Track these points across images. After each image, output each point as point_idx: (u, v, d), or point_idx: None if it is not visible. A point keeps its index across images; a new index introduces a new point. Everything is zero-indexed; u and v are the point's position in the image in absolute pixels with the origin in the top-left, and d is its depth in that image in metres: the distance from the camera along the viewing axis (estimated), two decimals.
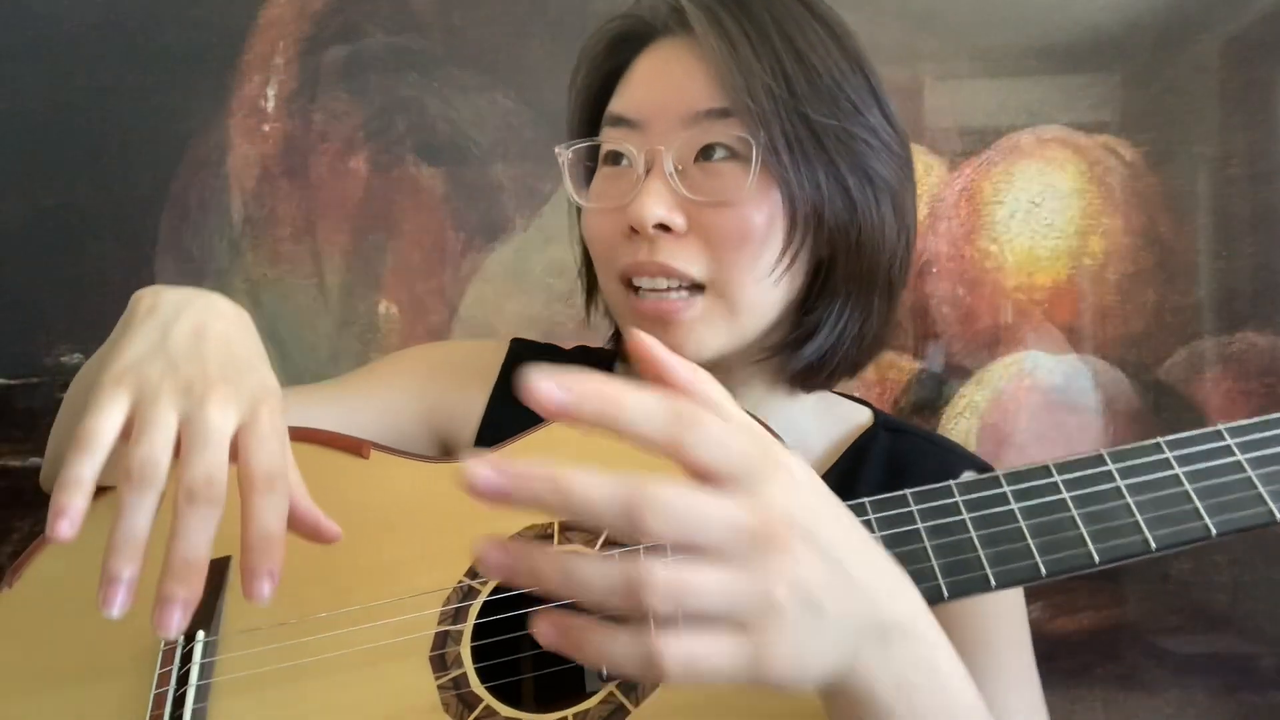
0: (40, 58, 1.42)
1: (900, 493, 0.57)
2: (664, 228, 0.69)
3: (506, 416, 0.71)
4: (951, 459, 0.75)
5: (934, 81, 1.37)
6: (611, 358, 0.85)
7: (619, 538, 0.39)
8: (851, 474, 0.75)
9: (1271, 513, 0.54)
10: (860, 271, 0.72)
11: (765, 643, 0.39)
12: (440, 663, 0.58)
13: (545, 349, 0.88)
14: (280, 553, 0.47)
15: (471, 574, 0.61)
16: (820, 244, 0.71)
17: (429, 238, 1.42)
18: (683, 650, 0.38)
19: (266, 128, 1.44)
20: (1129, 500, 0.55)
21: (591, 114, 0.77)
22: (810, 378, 0.76)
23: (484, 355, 0.87)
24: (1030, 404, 1.39)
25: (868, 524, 0.56)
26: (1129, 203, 1.37)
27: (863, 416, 0.81)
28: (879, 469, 0.75)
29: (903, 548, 0.55)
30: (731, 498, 0.40)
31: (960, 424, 1.39)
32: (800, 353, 0.74)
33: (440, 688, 0.57)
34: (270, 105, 1.44)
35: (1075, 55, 1.37)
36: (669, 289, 0.70)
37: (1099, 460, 0.56)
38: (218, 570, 0.64)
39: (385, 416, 0.79)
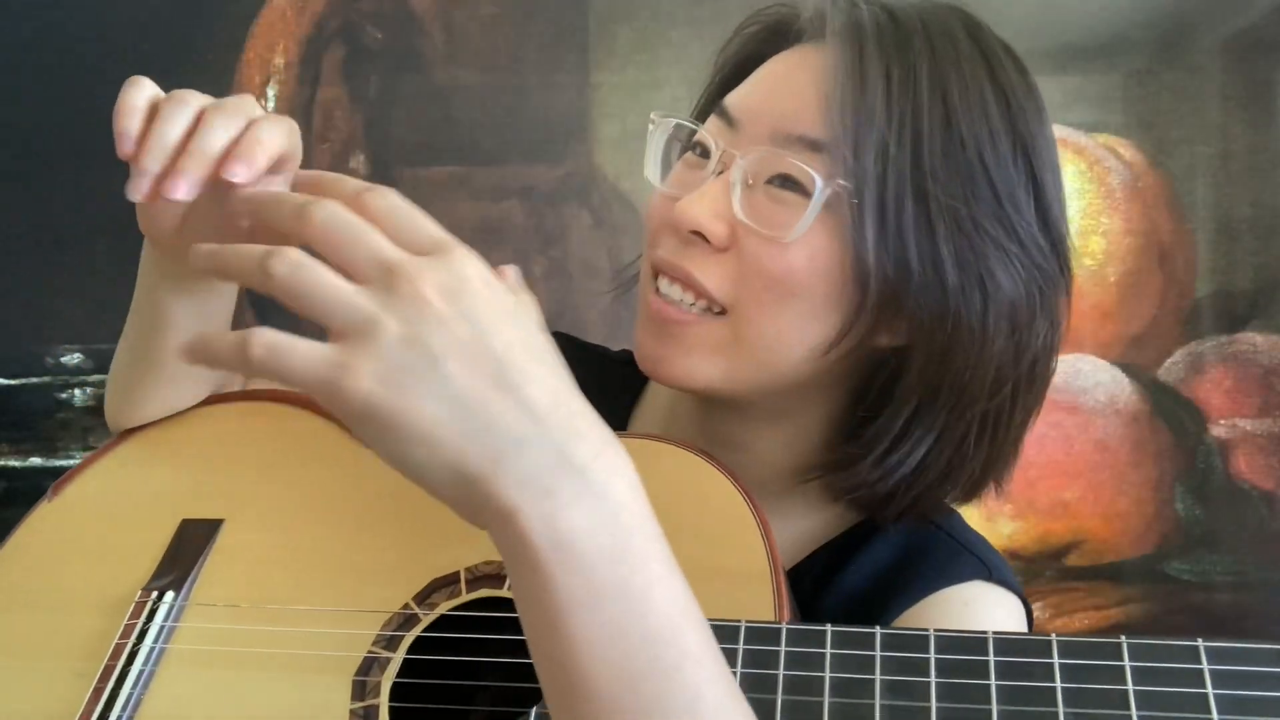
0: (40, 59, 1.42)
1: (870, 630, 0.50)
2: (701, 236, 0.61)
3: None
4: (960, 561, 0.65)
5: None
6: None
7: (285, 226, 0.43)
8: (845, 553, 0.67)
9: None
10: (943, 383, 0.61)
11: (349, 361, 0.39)
12: (360, 689, 0.57)
13: (589, 348, 0.83)
14: (204, 166, 0.50)
15: (420, 598, 0.60)
16: (893, 334, 0.62)
17: None
18: (273, 337, 0.40)
19: None
20: (1133, 712, 0.44)
21: (714, 97, 0.69)
22: (880, 507, 0.65)
23: None
24: None
25: (820, 657, 0.49)
26: (1129, 203, 1.37)
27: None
28: (878, 556, 0.66)
29: (848, 699, 0.47)
30: (397, 246, 0.42)
31: None
32: (854, 471, 0.63)
33: (352, 713, 0.56)
34: (270, 105, 1.44)
35: (1075, 55, 1.37)
36: (683, 302, 0.63)
37: (1115, 651, 0.46)
38: (206, 532, 0.65)
39: None
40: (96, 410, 1.43)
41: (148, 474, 0.70)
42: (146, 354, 0.68)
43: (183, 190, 0.49)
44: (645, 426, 0.77)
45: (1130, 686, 0.45)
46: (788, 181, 0.60)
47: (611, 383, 0.78)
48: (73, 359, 1.42)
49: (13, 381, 1.42)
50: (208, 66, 1.43)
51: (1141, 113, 1.36)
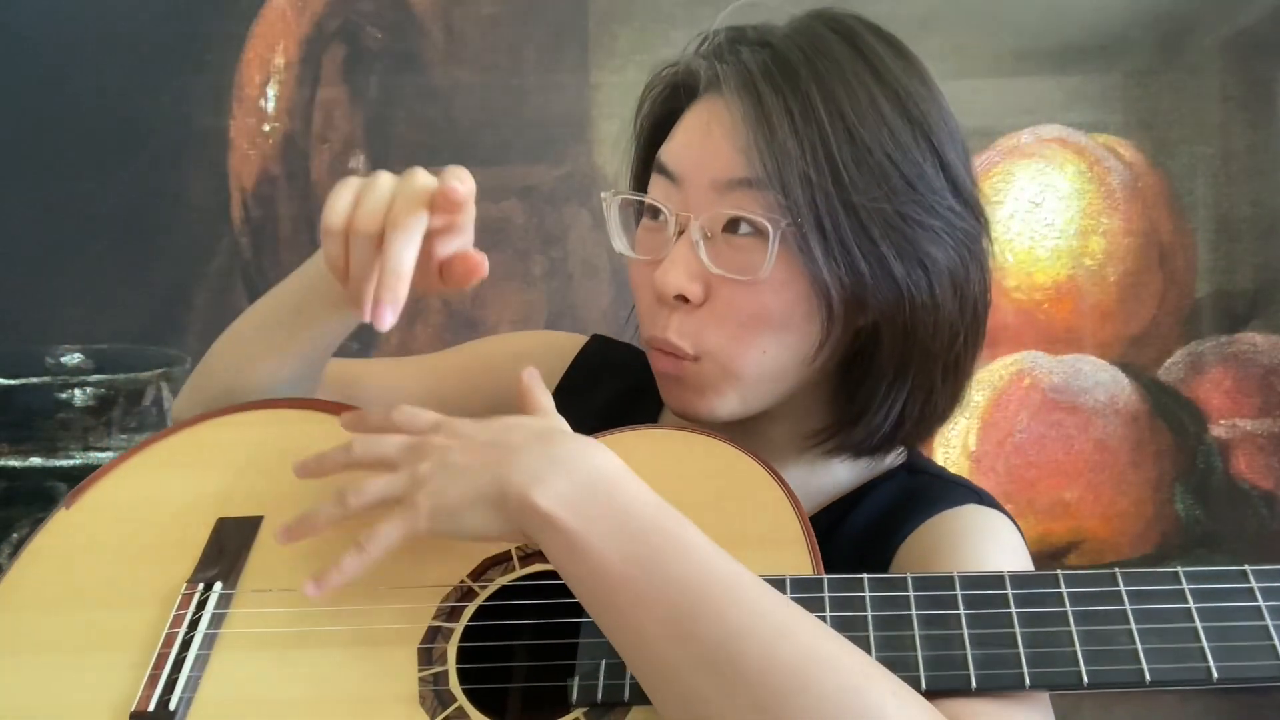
0: (41, 58, 1.42)
1: (902, 575, 0.57)
2: (683, 298, 0.67)
3: (568, 411, 0.70)
4: (953, 490, 0.72)
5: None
6: None
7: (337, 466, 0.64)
8: (845, 510, 0.73)
9: None
10: (911, 353, 0.69)
11: (414, 503, 0.58)
12: (426, 656, 0.60)
13: (622, 348, 0.87)
14: (403, 288, 0.63)
15: (475, 575, 0.63)
16: (864, 317, 0.68)
17: None
18: (372, 531, 0.58)
19: (266, 128, 1.44)
20: (1133, 626, 0.54)
21: (644, 159, 0.75)
22: (871, 454, 0.74)
23: (558, 349, 0.88)
24: (1030, 404, 1.39)
25: (860, 600, 0.57)
26: (1129, 203, 1.37)
27: (896, 461, 0.77)
28: (876, 503, 0.73)
29: (890, 631, 0.55)
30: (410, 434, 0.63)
31: (960, 424, 1.39)
32: (850, 435, 0.72)
33: (421, 680, 0.59)
34: (270, 105, 1.44)
35: (1075, 55, 1.37)
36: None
37: (1111, 579, 0.56)
38: (247, 528, 0.68)
39: (463, 400, 0.82)
40: (96, 410, 1.43)
41: (173, 477, 0.71)
42: (278, 326, 0.76)
43: (389, 319, 0.62)
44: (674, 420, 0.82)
45: (1128, 606, 0.55)
46: (739, 226, 0.66)
47: (645, 381, 0.81)
48: (73, 359, 1.42)
49: (13, 381, 1.42)
50: (208, 66, 1.43)
51: (1141, 113, 1.36)
